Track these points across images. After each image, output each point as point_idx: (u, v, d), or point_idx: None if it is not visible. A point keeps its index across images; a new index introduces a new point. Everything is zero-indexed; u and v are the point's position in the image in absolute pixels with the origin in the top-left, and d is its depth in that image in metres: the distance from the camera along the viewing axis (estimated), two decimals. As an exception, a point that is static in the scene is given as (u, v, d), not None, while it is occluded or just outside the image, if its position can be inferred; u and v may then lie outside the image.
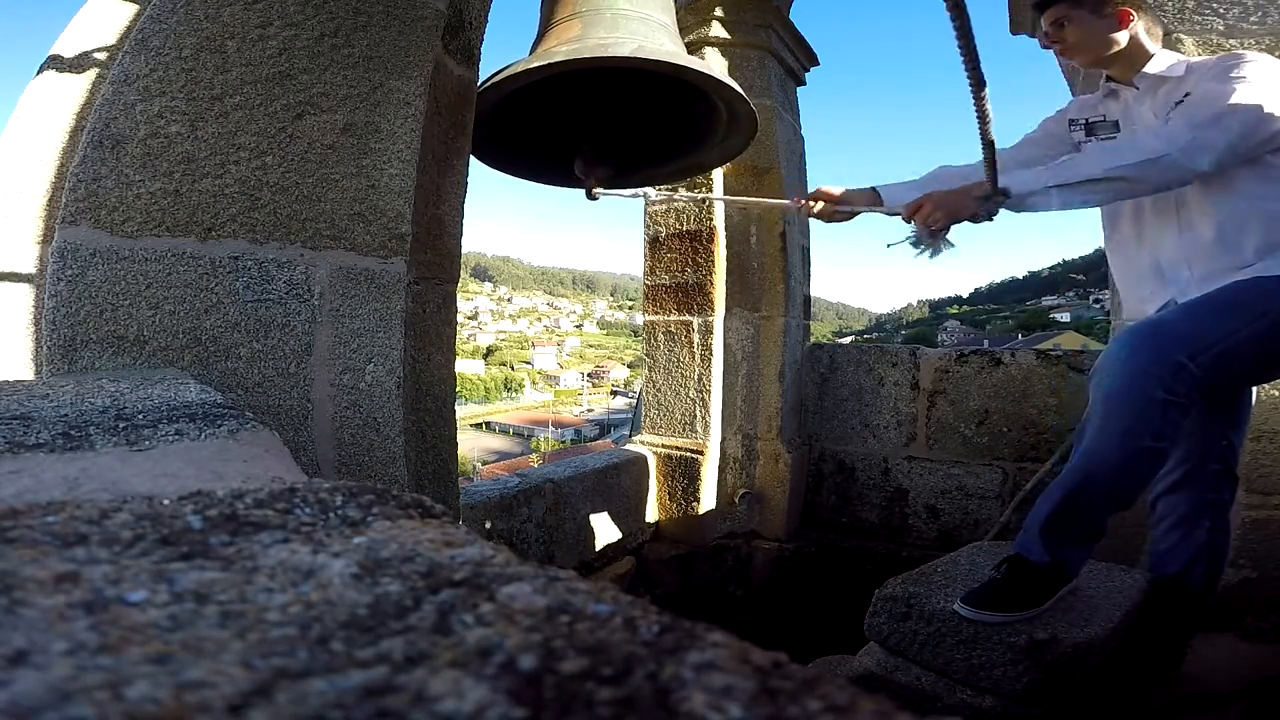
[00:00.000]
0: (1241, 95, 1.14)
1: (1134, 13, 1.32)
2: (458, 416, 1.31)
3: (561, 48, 1.28)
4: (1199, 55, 1.65)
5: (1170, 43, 1.66)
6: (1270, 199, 1.19)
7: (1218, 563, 1.35)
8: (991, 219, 1.29)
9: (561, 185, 1.76)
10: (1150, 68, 1.33)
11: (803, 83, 2.87)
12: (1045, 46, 1.41)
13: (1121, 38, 1.33)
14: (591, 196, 1.58)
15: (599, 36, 1.30)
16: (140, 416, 0.61)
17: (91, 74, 1.39)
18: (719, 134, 1.58)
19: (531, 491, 1.92)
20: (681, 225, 2.56)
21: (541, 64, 1.24)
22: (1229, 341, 1.11)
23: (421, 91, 1.06)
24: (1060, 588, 1.24)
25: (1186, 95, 1.23)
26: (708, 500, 2.48)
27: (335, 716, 0.18)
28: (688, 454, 2.48)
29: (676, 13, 1.55)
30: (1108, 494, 1.17)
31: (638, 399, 3.18)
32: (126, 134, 0.94)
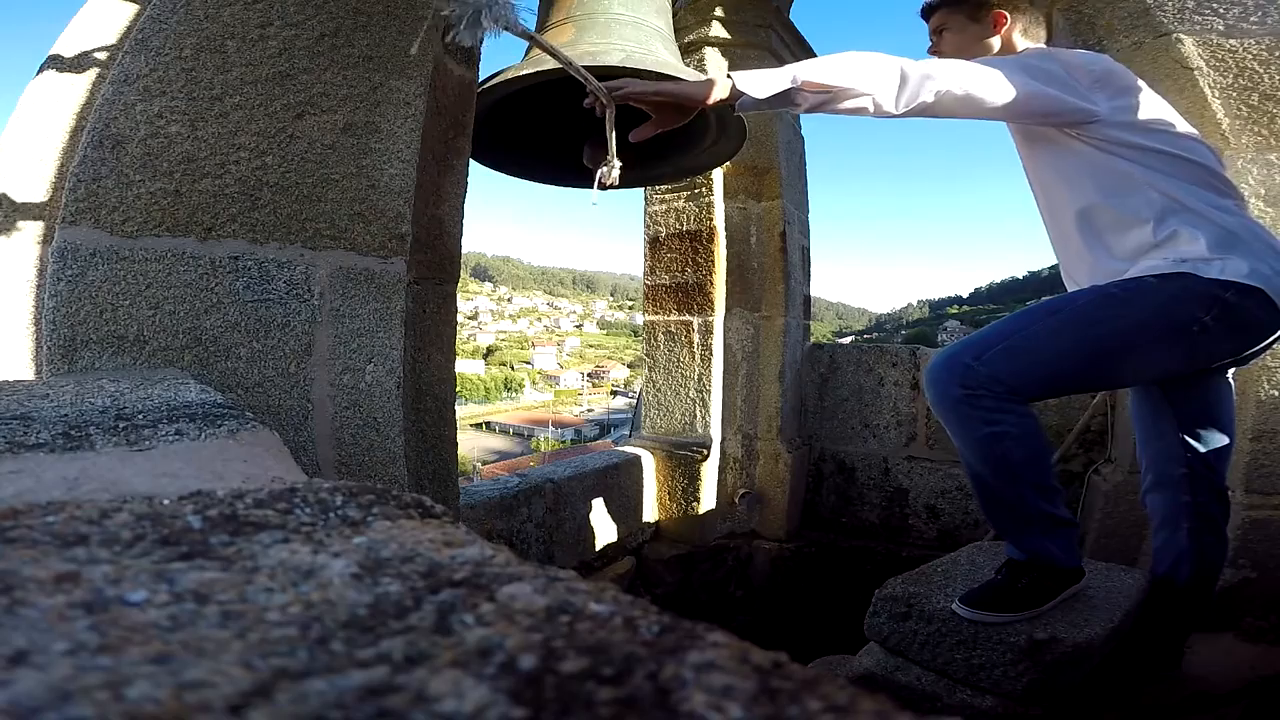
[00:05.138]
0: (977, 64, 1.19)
1: (1009, 15, 1.35)
2: (458, 416, 1.31)
3: None
4: (1199, 55, 1.65)
5: (1170, 43, 1.66)
6: (1110, 227, 1.25)
7: (1206, 567, 1.33)
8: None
9: (558, 185, 1.76)
10: None
11: (803, 83, 2.87)
12: (930, 54, 1.45)
13: (994, 43, 1.37)
14: (602, 187, 1.58)
15: (590, 42, 1.30)
16: (140, 416, 0.61)
17: (91, 74, 1.39)
18: (709, 138, 1.58)
19: (531, 491, 1.92)
20: (681, 225, 2.56)
21: (530, 71, 1.24)
22: (1015, 339, 1.20)
23: (421, 91, 1.06)
24: (1061, 586, 1.24)
25: None
26: (708, 500, 2.48)
27: (335, 716, 0.18)
28: (688, 454, 2.48)
29: (676, 13, 1.55)
30: (1000, 484, 1.21)
31: (638, 399, 3.18)
32: (126, 134, 0.94)
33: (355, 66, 1.03)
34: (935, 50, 1.42)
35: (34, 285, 1.31)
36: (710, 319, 2.51)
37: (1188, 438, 1.32)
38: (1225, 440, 1.33)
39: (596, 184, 1.40)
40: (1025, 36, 1.38)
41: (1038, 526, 1.22)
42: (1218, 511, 1.33)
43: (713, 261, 2.50)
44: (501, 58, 1.70)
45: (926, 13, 1.43)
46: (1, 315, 1.30)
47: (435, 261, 1.20)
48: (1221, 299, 1.13)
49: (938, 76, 1.16)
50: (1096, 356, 1.20)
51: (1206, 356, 1.22)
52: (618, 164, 1.24)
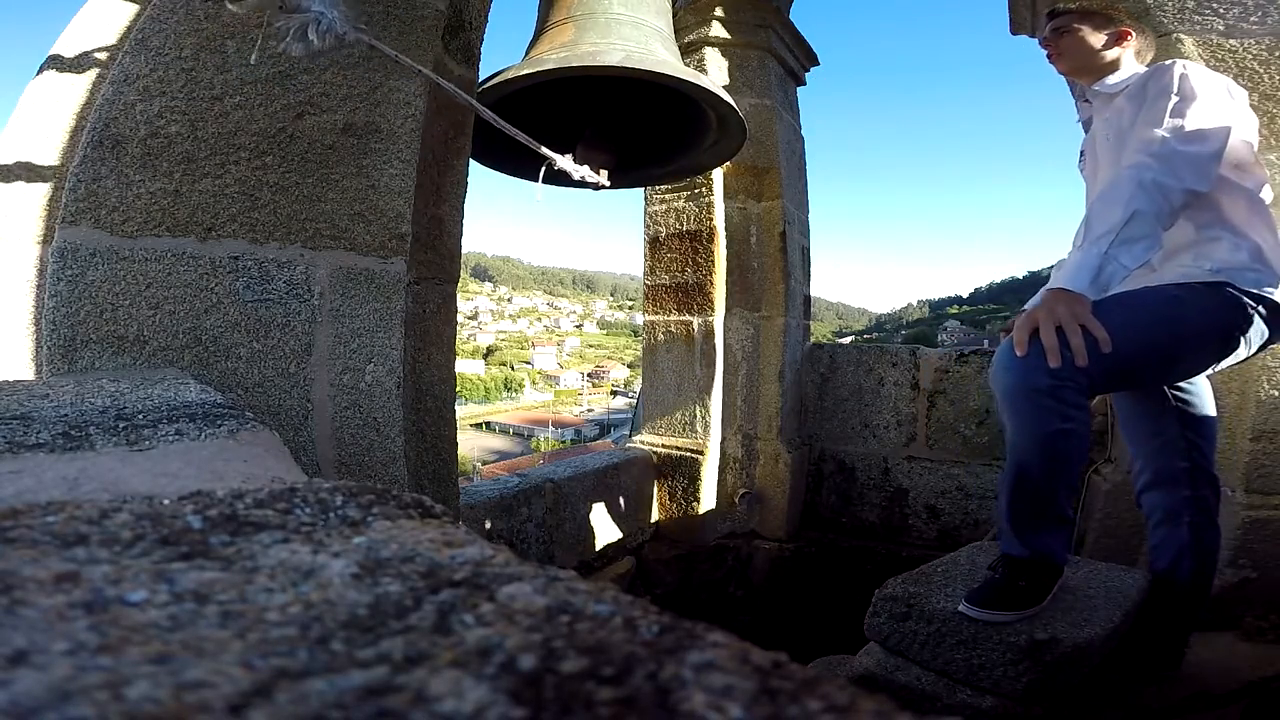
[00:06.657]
0: (1193, 115, 1.18)
1: (1132, 34, 1.37)
2: (458, 416, 1.31)
3: (552, 54, 1.29)
4: (1199, 55, 1.64)
5: (1170, 43, 1.66)
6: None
7: (1206, 560, 1.35)
8: None
9: (558, 185, 1.76)
10: (1100, 85, 1.38)
11: (803, 83, 2.87)
12: (1043, 47, 1.46)
13: (1109, 54, 1.38)
14: (598, 187, 1.58)
15: (590, 42, 1.30)
16: (140, 416, 0.61)
17: (91, 74, 1.39)
18: (710, 138, 1.58)
19: (531, 491, 1.92)
20: (681, 225, 2.56)
21: (530, 71, 1.24)
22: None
23: (421, 91, 1.06)
24: (1054, 581, 1.25)
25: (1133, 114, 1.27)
26: (708, 500, 2.48)
27: (335, 716, 0.18)
28: (688, 454, 2.48)
29: (676, 13, 1.55)
30: (1045, 481, 1.19)
31: (638, 399, 3.18)
32: (126, 134, 0.94)
33: (355, 66, 1.03)
34: (1049, 45, 1.43)
35: (34, 285, 1.31)
36: (710, 319, 2.51)
37: (1190, 433, 1.36)
38: (1214, 429, 1.40)
39: (573, 177, 1.38)
40: (1137, 58, 1.40)
41: (1052, 523, 1.23)
42: (1214, 502, 1.37)
43: (713, 261, 2.50)
44: (501, 58, 1.70)
45: (1054, 14, 1.43)
46: (1, 315, 1.30)
47: (435, 261, 1.20)
48: (1257, 309, 1.21)
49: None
50: (1165, 353, 1.23)
51: (1224, 358, 1.26)
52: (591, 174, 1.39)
